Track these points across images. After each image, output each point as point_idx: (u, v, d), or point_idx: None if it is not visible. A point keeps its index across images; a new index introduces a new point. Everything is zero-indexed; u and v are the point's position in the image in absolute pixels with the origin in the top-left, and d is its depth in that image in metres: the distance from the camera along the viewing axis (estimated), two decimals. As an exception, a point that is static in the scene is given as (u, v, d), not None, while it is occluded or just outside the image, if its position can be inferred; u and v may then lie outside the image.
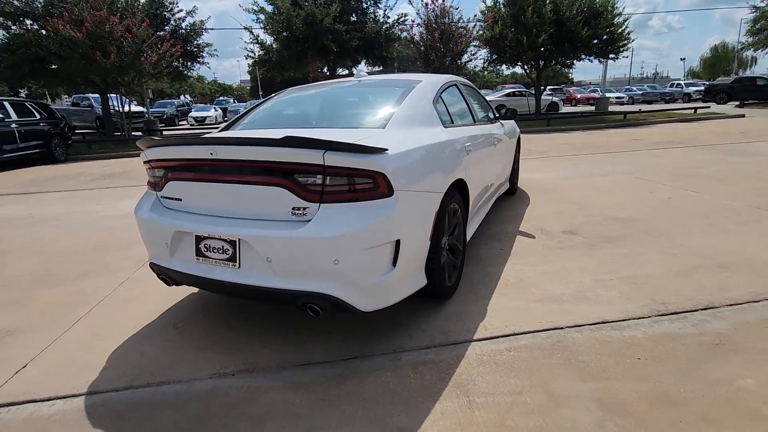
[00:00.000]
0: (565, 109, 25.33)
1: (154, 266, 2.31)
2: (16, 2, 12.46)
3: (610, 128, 13.31)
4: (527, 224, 4.06)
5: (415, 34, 14.66)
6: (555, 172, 6.49)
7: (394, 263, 1.97)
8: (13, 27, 12.72)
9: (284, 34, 14.01)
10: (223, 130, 2.84)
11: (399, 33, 15.77)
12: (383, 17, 15.72)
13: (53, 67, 12.89)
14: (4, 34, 12.80)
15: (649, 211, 4.28)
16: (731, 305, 2.42)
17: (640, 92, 31.74)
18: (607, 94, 28.22)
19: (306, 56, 14.20)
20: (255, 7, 14.52)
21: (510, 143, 4.50)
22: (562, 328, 2.27)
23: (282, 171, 1.88)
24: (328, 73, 15.67)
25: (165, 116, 27.17)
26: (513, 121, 5.16)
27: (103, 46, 12.17)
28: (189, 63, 16.44)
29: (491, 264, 3.16)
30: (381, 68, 16.29)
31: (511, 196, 5.12)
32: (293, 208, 1.89)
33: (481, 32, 15.07)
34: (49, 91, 26.00)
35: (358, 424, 1.67)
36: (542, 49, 14.68)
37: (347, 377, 1.96)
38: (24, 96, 21.89)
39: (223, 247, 2.00)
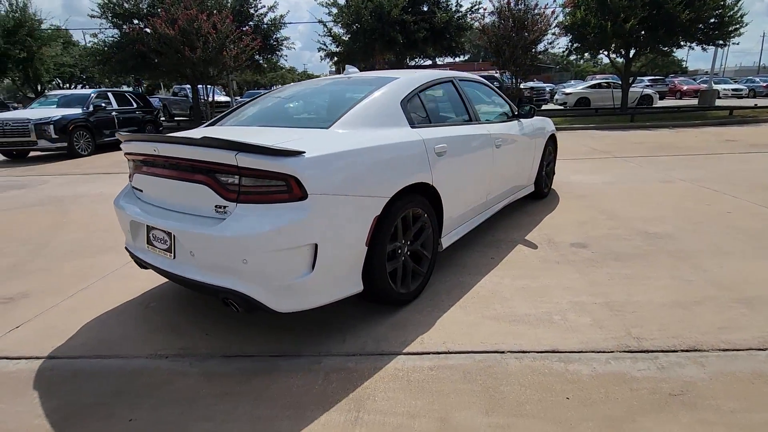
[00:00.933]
0: (666, 102, 22.55)
1: (127, 249, 2.55)
2: (126, 4, 14.21)
3: (707, 126, 11.63)
4: (538, 233, 3.74)
5: (487, 23, 14.02)
6: (606, 176, 5.86)
7: (313, 267, 1.96)
8: (124, 26, 14.50)
9: (354, 26, 14.25)
10: (209, 125, 3.01)
11: (471, 22, 15.19)
12: (456, 5, 15.25)
13: (155, 61, 14.48)
14: (116, 33, 14.67)
15: (692, 226, 3.70)
16: (724, 350, 2.03)
17: (765, 84, 27.09)
18: (721, 86, 24.61)
19: (373, 48, 14.33)
20: (329, 1, 14.96)
21: (532, 143, 4.16)
22: (502, 352, 2.08)
23: (206, 170, 1.96)
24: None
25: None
26: (544, 119, 4.77)
27: (191, 41, 13.42)
28: (268, 56, 17.47)
29: (471, 273, 2.98)
30: (453, 59, 15.88)
31: (539, 200, 4.74)
32: (216, 206, 1.96)
33: (562, 19, 13.95)
34: (151, 83, 29.21)
35: (240, 421, 1.71)
36: (632, 35, 13.17)
37: (261, 374, 2.00)
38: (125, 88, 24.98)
39: (164, 238, 2.14)
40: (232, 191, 1.91)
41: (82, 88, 24.40)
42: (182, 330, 2.40)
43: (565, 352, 2.07)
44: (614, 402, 1.73)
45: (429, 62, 19.12)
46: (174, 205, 2.16)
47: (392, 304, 2.51)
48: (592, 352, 2.06)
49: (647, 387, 1.80)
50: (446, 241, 2.92)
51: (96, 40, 15.51)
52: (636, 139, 9.43)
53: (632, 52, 14.52)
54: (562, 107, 18.54)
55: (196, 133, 2.69)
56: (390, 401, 1.78)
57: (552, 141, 4.83)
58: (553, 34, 13.95)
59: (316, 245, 1.94)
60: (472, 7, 15.32)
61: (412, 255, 2.63)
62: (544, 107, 18.52)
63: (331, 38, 15.81)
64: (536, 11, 13.35)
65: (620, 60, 14.92)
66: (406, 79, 2.79)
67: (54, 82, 25.91)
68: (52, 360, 2.17)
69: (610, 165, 6.69)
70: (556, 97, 19.75)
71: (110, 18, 14.38)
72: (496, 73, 15.98)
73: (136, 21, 14.79)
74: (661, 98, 23.05)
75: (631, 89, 16.35)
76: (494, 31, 13.58)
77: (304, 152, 1.89)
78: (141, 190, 2.40)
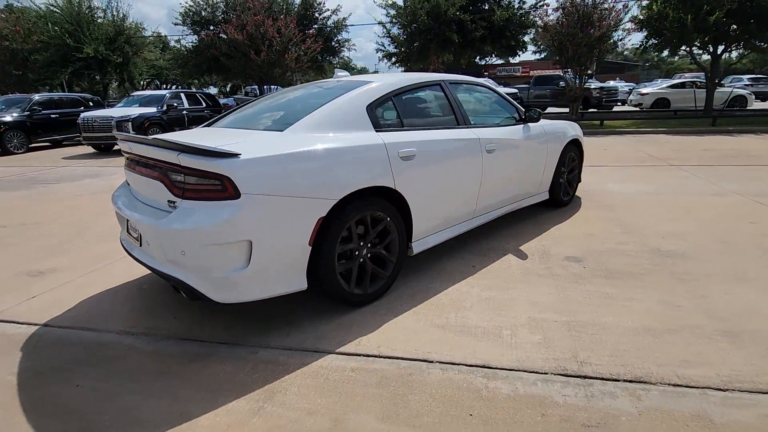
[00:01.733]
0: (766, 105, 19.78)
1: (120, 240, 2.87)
2: (203, 12, 15.54)
3: (807, 132, 10.07)
4: (537, 243, 3.56)
5: (549, 20, 13.32)
6: (648, 186, 5.36)
7: (249, 262, 2.08)
8: (201, 33, 15.88)
9: (412, 27, 14.29)
10: (207, 125, 3.26)
11: (534, 19, 14.52)
12: (518, 2, 14.66)
13: (225, 64, 15.68)
14: (194, 39, 16.10)
15: (718, 246, 3.29)
16: (674, 385, 1.82)
17: None
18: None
19: (428, 49, 14.26)
20: (388, 2, 15.15)
21: (541, 148, 3.94)
22: (431, 362, 2.05)
23: (161, 168, 2.16)
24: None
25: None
26: (566, 123, 4.49)
27: (257, 45, 14.34)
28: (329, 57, 18.11)
29: (444, 280, 2.93)
30: (512, 57, 15.28)
31: (557, 208, 4.47)
32: (168, 201, 2.16)
33: (636, 13, 12.85)
34: (234, 84, 31.38)
35: (161, 399, 1.87)
36: (718, 29, 11.76)
37: (201, 358, 2.16)
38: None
39: (135, 227, 2.39)
40: (179, 188, 2.09)
41: (176, 88, 27.06)
42: (156, 311, 2.65)
43: (495, 368, 1.98)
44: (517, 425, 1.64)
45: (497, 61, 18.49)
46: (146, 199, 2.40)
47: (347, 304, 2.56)
48: (524, 371, 1.96)
49: (562, 414, 1.69)
50: (419, 246, 2.90)
51: (179, 46, 17.12)
52: (706, 146, 8.45)
53: (720, 48, 12.96)
54: (636, 109, 17.07)
55: (195, 132, 2.94)
56: (298, 396, 1.85)
57: (575, 147, 4.53)
58: (624, 30, 12.89)
59: (251, 242, 2.06)
60: (536, 4, 14.64)
61: (374, 257, 2.65)
62: (615, 109, 17.18)
63: (390, 39, 16.01)
64: (605, 5, 12.42)
65: (707, 57, 13.39)
66: (380, 84, 2.81)
67: (153, 84, 29.01)
68: (44, 327, 2.52)
69: (659, 174, 6.09)
70: (631, 97, 18.18)
71: (190, 25, 15.79)
72: (564, 72, 15.14)
73: (212, 27, 16.10)
74: (763, 100, 20.31)
75: (721, 89, 14.61)
76: (557, 28, 12.86)
77: (239, 154, 2.01)
78: (129, 185, 2.69)
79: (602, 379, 1.88)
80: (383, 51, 16.63)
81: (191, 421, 1.73)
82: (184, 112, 12.38)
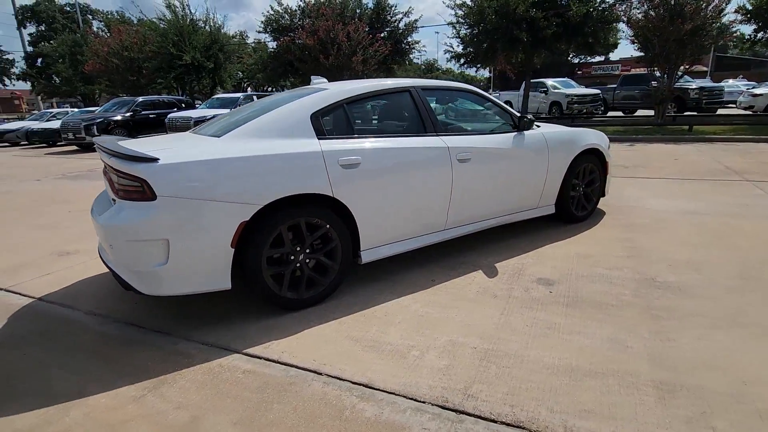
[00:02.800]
0: None
1: None
2: (281, 20, 16.63)
3: None
4: (517, 260, 3.29)
5: (635, 14, 12.01)
6: (696, 204, 4.64)
7: (167, 259, 2.24)
8: (280, 39, 17.01)
9: (479, 27, 13.83)
10: (190, 131, 3.52)
11: (619, 14, 13.19)
12: (601, -4, 13.38)
13: (298, 68, 16.64)
14: (274, 45, 17.28)
15: (733, 283, 2.77)
16: (554, 436, 1.60)
17: None
18: None
19: (495, 49, 13.68)
20: (457, 1, 14.82)
21: (541, 159, 3.62)
22: (319, 374, 2.04)
23: (108, 170, 2.42)
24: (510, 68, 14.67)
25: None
26: (581, 130, 4.09)
27: (326, 49, 14.99)
28: (398, 59, 18.28)
29: (392, 292, 2.85)
30: (590, 56, 14.02)
31: (569, 223, 4.07)
32: (111, 200, 2.41)
33: (741, 3, 11.07)
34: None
35: (78, 375, 2.10)
36: None
37: (132, 343, 2.38)
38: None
39: (101, 221, 2.70)
40: (115, 189, 2.32)
41: (270, 91, 29.31)
42: (125, 297, 2.95)
43: (376, 389, 1.91)
44: (353, 451, 1.57)
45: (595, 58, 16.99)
46: (105, 199, 2.69)
47: (279, 307, 2.62)
48: (403, 396, 1.86)
49: (407, 448, 1.58)
50: (369, 256, 2.87)
51: (261, 51, 18.51)
52: (811, 159, 7.03)
53: None
54: (747, 112, 14.70)
55: (160, 137, 3.19)
56: (179, 390, 1.96)
57: (594, 157, 4.09)
58: (725, 23, 11.16)
59: (168, 241, 2.21)
60: (621, -4, 13.25)
61: (315, 263, 2.68)
62: (720, 111, 14.96)
63: (459, 40, 15.67)
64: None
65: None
66: (331, 92, 2.82)
67: (245, 86, 31.70)
68: (37, 301, 2.95)
69: (723, 190, 5.22)
70: (740, 99, 15.67)
71: (270, 32, 17.00)
72: (650, 71, 13.58)
73: (290, 34, 17.16)
74: None
75: None
76: (643, 22, 11.57)
77: (158, 159, 2.18)
78: (110, 183, 3.04)
79: (478, 417, 1.72)
80: (451, 52, 16.36)
81: (82, 399, 1.92)
82: (255, 113, 13.39)
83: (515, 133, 3.51)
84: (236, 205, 2.32)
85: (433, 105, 3.34)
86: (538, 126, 3.95)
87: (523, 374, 1.96)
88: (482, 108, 3.59)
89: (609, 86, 18.74)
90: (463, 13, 14.27)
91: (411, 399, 1.84)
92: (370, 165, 2.73)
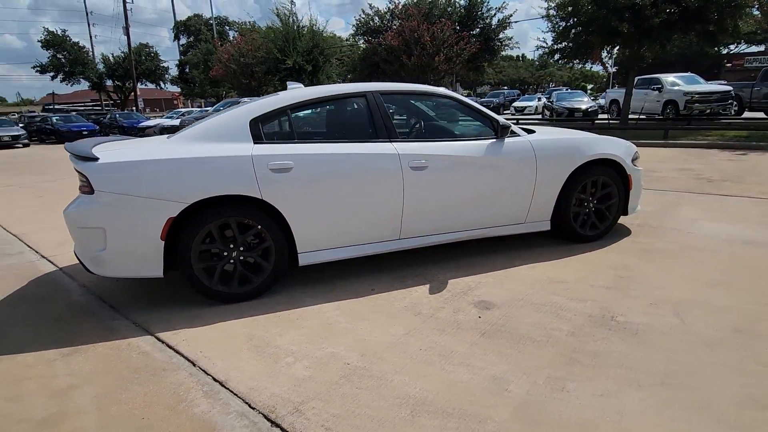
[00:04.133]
0: None
1: None
2: (371, 23, 17.17)
3: None
4: (473, 279, 3.03)
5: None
6: (763, 233, 3.72)
7: (106, 246, 2.58)
8: (370, 41, 17.58)
9: (572, 19, 12.59)
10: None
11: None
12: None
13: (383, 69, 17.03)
14: (364, 47, 17.93)
15: (718, 334, 2.22)
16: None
17: None
18: None
19: (590, 43, 12.30)
20: (552, -6, 13.65)
21: (528, 169, 3.26)
22: (193, 365, 2.17)
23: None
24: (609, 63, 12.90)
25: (492, 105, 29.86)
26: (591, 137, 3.59)
27: (410, 50, 15.10)
28: (488, 56, 17.57)
29: (323, 296, 2.86)
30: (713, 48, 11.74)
31: (577, 243, 3.59)
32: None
33: None
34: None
35: (27, 335, 2.54)
36: None
37: (87, 315, 2.78)
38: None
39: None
40: (79, 184, 2.73)
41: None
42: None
43: (226, 388, 1.98)
44: (155, 441, 1.67)
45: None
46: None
47: (210, 299, 2.81)
48: (242, 399, 1.90)
49: (199, 448, 1.63)
50: (308, 259, 2.92)
51: (354, 53, 19.35)
52: None
53: None
54: None
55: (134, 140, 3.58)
56: (82, 360, 2.26)
57: (609, 169, 3.54)
58: None
59: (104, 229, 2.55)
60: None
61: (244, 262, 2.83)
62: None
63: (554, 34, 14.44)
64: None
65: None
66: (276, 98, 2.91)
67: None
68: (58, 270, 3.58)
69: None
70: None
71: (361, 35, 17.68)
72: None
73: (379, 36, 17.64)
74: None
75: None
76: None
77: (98, 159, 2.52)
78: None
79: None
80: (544, 48, 15.15)
81: (16, 354, 2.33)
82: (335, 113, 14.10)
83: (492, 140, 3.22)
84: (165, 202, 2.56)
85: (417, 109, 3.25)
86: (532, 132, 3.57)
87: (369, 400, 1.85)
88: (453, 113, 3.36)
89: (745, 82, 15.67)
90: (555, 4, 13.15)
91: (246, 403, 1.87)
92: (304, 170, 2.77)
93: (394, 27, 15.79)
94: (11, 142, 17.64)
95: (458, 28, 16.41)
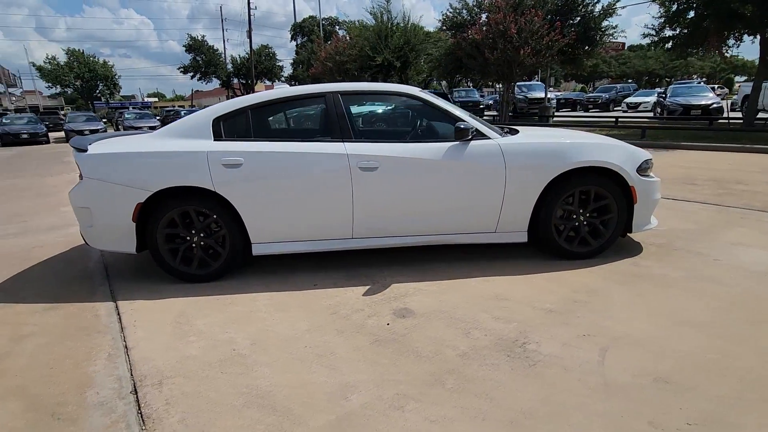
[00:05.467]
0: None
1: None
2: (457, 18, 16.75)
3: None
4: (416, 286, 2.93)
5: None
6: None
7: (92, 223, 3.08)
8: (456, 36, 17.17)
9: (682, 4, 10.79)
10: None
11: None
12: None
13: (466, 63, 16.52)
14: (446, 43, 17.58)
15: (617, 377, 1.89)
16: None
17: None
18: None
19: (704, 29, 10.41)
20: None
21: (495, 175, 3.02)
22: (125, 331, 2.51)
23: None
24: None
25: (600, 101, 27.07)
26: (583, 140, 3.22)
27: (494, 43, 14.42)
28: (587, 48, 15.94)
29: (265, 286, 3.03)
30: None
31: (565, 259, 3.25)
32: (89, 177, 3.40)
33: None
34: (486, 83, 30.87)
35: (39, 289, 3.15)
36: None
37: (86, 281, 3.34)
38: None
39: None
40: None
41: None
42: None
43: (128, 355, 2.26)
44: None
45: None
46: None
47: (175, 277, 3.16)
48: (129, 366, 2.16)
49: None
50: (260, 249, 3.13)
51: (440, 48, 19.13)
52: None
53: None
54: None
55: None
56: (51, 316, 2.74)
57: (606, 180, 3.11)
58: None
59: (90, 209, 3.04)
60: None
61: (204, 246, 3.13)
62: None
63: (662, 20, 12.52)
64: None
65: None
66: (239, 99, 3.13)
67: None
68: (67, 250, 4.30)
69: None
70: None
71: (447, 29, 17.38)
72: None
73: (465, 30, 17.14)
74: None
75: None
76: None
77: (87, 150, 3.00)
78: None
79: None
80: (652, 36, 13.20)
81: (17, 304, 2.92)
82: (410, 109, 14.15)
83: (454, 143, 3.05)
84: (134, 189, 2.96)
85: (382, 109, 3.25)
86: (515, 132, 3.28)
87: (221, 385, 1.97)
88: (416, 114, 3.24)
89: None
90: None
91: (129, 370, 2.12)
92: (253, 166, 2.96)
93: (477, 20, 15.18)
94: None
95: (552, 17, 15.18)
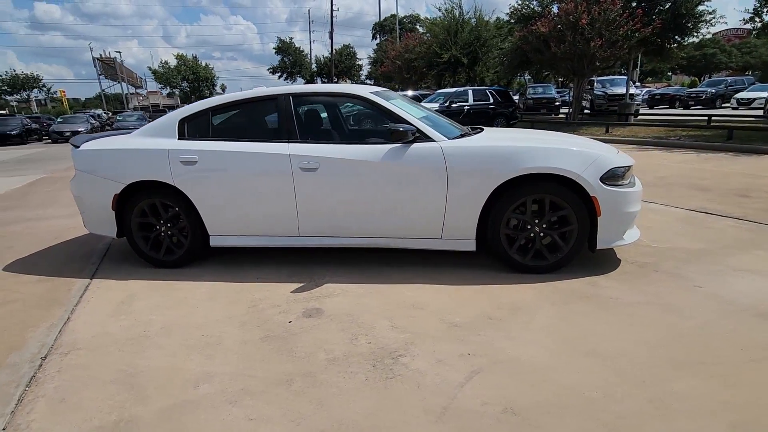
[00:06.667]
0: None
1: None
2: (524, 10, 15.84)
3: None
4: (345, 288, 2.93)
5: None
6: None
7: (84, 210, 3.55)
8: (522, 30, 16.25)
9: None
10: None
11: None
12: None
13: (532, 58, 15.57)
14: (515, 38, 16.69)
15: (461, 403, 1.75)
16: None
17: None
18: None
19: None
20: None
21: (435, 179, 2.90)
22: (61, 307, 2.88)
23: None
24: None
25: (704, 97, 23.82)
26: (522, 142, 2.97)
27: (562, 36, 13.42)
28: (676, 37, 14.11)
29: (211, 275, 3.24)
30: None
31: (522, 272, 3.04)
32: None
33: None
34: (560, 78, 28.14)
35: (44, 265, 3.71)
36: None
37: (80, 262, 3.85)
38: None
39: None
40: (82, 165, 3.77)
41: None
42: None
43: (63, 326, 2.60)
44: (-13, 346, 2.40)
45: None
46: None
47: (147, 261, 3.51)
48: (56, 336, 2.48)
49: (-6, 358, 2.28)
50: (216, 241, 3.37)
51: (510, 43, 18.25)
52: None
53: None
54: None
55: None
56: (36, 288, 3.22)
57: (564, 189, 2.82)
58: None
59: (82, 198, 3.50)
60: None
61: (173, 235, 3.44)
62: None
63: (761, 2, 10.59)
64: None
65: None
66: (203, 101, 3.35)
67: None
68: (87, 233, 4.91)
69: None
70: None
71: (514, 22, 16.54)
72: None
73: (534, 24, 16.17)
74: None
75: None
76: None
77: (79, 147, 3.45)
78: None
79: None
80: (756, 22, 11.21)
81: (20, 275, 3.47)
82: (465, 107, 13.78)
83: (396, 145, 2.98)
84: (111, 182, 3.36)
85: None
86: (474, 132, 3.12)
87: (104, 360, 2.20)
88: (363, 117, 3.19)
89: None
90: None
91: (55, 339, 2.44)
92: (206, 164, 3.18)
93: (546, 11, 14.20)
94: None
95: (635, 5, 13.70)
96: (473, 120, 13.89)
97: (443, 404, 1.76)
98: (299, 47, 51.43)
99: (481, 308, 2.55)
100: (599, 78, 20.26)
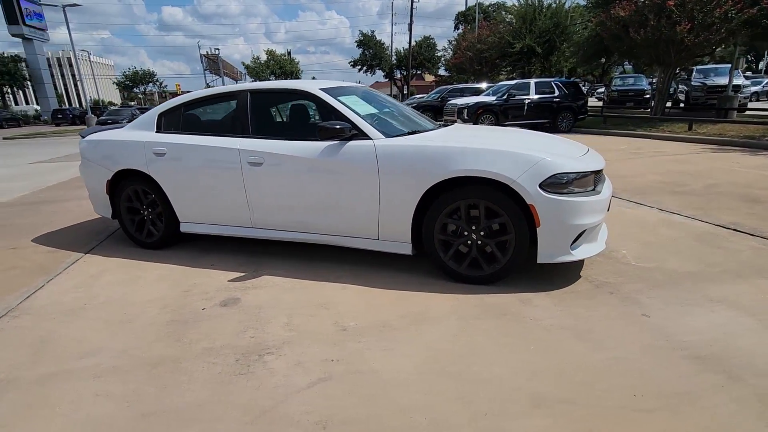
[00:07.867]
0: None
1: None
2: (606, -7, 14.31)
3: None
4: (284, 282, 2.99)
5: None
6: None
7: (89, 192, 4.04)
8: (601, 14, 14.73)
9: None
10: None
11: None
12: None
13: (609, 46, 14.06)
14: (592, 24, 15.17)
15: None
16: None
17: None
18: None
19: None
20: None
21: (361, 178, 2.83)
22: (49, 278, 3.31)
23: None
24: None
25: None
26: (453, 143, 2.76)
27: (643, 20, 11.98)
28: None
29: (177, 260, 3.50)
30: None
31: (458, 281, 2.88)
32: (106, 157, 4.40)
33: None
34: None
35: (47, 244, 4.30)
36: None
37: (79, 245, 4.38)
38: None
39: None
40: (90, 154, 4.26)
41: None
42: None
43: (31, 294, 3.01)
44: (-30, 303, 2.87)
45: None
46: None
47: (133, 242, 3.90)
48: (19, 302, 2.88)
49: (-34, 314, 2.72)
50: (185, 228, 3.64)
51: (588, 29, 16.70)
52: None
53: None
54: None
55: None
56: (35, 256, 3.74)
57: (500, 195, 2.59)
58: None
59: (85, 182, 3.98)
60: None
61: (153, 220, 3.78)
62: None
63: None
64: None
65: None
66: (179, 97, 3.59)
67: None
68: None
69: None
70: None
71: (594, 6, 15.08)
72: None
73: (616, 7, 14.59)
74: None
75: None
76: None
77: (85, 137, 3.92)
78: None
79: (-10, 324, 2.57)
80: None
81: (20, 248, 4.06)
82: (525, 101, 12.95)
83: (333, 142, 2.94)
84: (104, 169, 3.78)
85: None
86: (438, 128, 2.97)
87: (39, 322, 2.51)
88: (310, 114, 3.18)
89: None
90: None
91: (18, 304, 2.84)
92: (172, 155, 3.44)
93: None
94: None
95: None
96: (536, 115, 12.98)
97: (267, 407, 1.76)
98: (380, 40, 52.01)
99: (386, 315, 2.46)
100: (700, 67, 17.75)
